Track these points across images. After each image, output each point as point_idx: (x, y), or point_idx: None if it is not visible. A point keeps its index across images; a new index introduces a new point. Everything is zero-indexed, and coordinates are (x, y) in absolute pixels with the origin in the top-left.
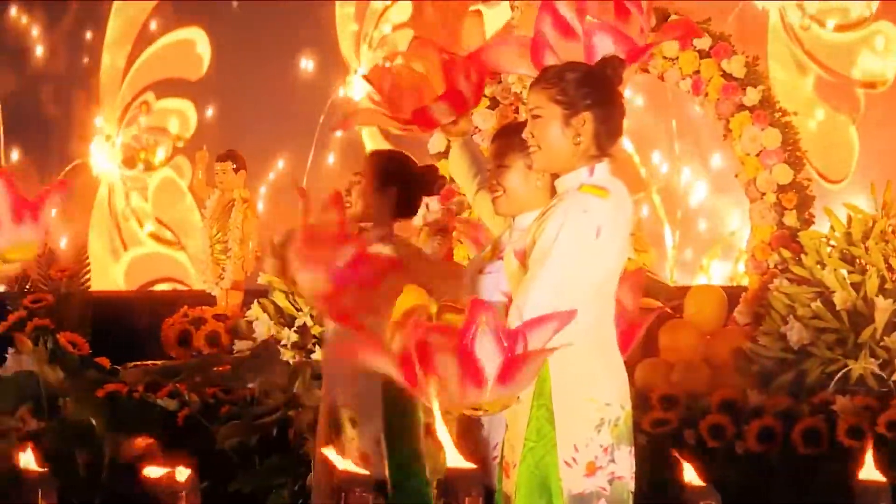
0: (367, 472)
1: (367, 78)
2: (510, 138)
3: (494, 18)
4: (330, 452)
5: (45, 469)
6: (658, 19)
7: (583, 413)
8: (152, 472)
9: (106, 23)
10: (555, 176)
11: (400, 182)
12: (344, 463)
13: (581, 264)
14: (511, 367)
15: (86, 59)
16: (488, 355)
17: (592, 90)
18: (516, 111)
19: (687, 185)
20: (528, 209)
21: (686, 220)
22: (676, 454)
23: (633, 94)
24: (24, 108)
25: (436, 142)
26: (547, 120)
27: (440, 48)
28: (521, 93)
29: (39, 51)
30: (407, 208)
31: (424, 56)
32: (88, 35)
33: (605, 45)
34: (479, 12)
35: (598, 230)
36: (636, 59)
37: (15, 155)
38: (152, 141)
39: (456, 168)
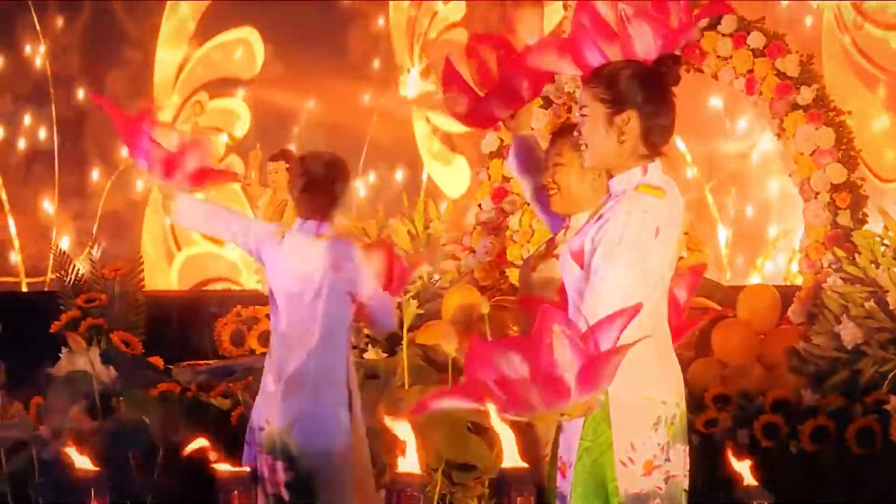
0: (420, 473)
1: (429, 69)
2: (567, 137)
3: (547, 18)
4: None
5: (98, 469)
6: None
7: (640, 412)
8: (216, 467)
9: (159, 23)
10: (611, 175)
11: (300, 182)
12: (401, 464)
13: (643, 264)
14: (591, 371)
15: (139, 59)
16: (568, 364)
17: (638, 88)
18: (569, 110)
19: (740, 184)
20: (583, 208)
21: (739, 219)
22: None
23: (685, 93)
24: (77, 108)
25: (489, 141)
26: (592, 118)
27: (496, 44)
28: (573, 92)
29: (93, 50)
30: (309, 207)
31: (480, 52)
32: (142, 35)
33: (642, 33)
34: (539, 4)
35: (657, 230)
36: (674, 45)
37: (68, 154)
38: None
39: (514, 166)
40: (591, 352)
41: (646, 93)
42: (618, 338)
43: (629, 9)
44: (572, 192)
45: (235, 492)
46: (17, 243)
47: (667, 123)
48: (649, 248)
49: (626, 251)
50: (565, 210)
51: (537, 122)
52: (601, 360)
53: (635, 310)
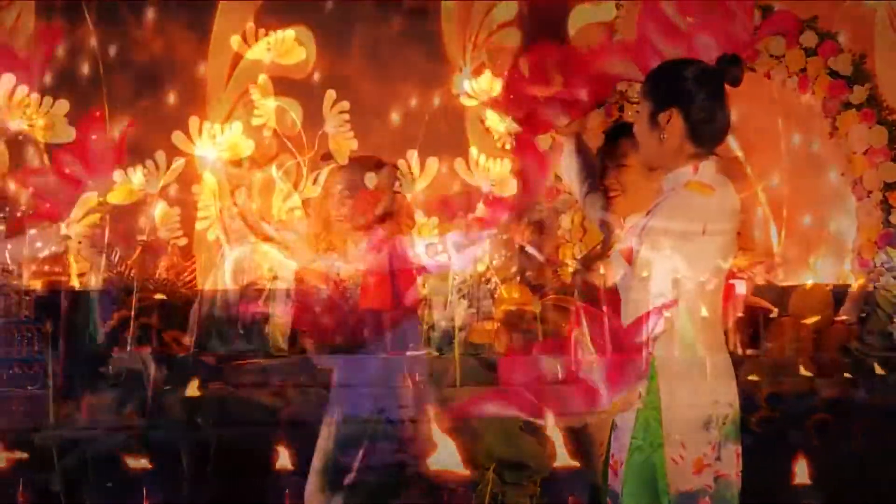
0: (468, 473)
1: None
2: (631, 137)
3: (597, 17)
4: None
5: (150, 468)
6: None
7: (691, 411)
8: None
9: (212, 22)
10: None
11: None
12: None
13: (689, 261)
14: (617, 372)
15: (191, 58)
16: (595, 366)
17: (685, 86)
18: (621, 109)
19: (793, 183)
20: (641, 209)
21: (792, 218)
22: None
23: (736, 92)
24: (129, 107)
25: (541, 141)
26: (640, 115)
27: (557, 51)
28: (626, 91)
29: (145, 50)
30: None
31: (542, 56)
32: (194, 34)
33: (708, 46)
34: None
35: (704, 227)
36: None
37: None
38: (257, 140)
39: (566, 168)
40: (617, 351)
41: (693, 92)
42: (650, 335)
43: (697, 22)
44: (638, 193)
45: (287, 490)
46: (68, 241)
47: (717, 123)
48: (695, 245)
49: (671, 246)
50: (627, 211)
51: (589, 121)
52: (627, 358)
53: (670, 304)
